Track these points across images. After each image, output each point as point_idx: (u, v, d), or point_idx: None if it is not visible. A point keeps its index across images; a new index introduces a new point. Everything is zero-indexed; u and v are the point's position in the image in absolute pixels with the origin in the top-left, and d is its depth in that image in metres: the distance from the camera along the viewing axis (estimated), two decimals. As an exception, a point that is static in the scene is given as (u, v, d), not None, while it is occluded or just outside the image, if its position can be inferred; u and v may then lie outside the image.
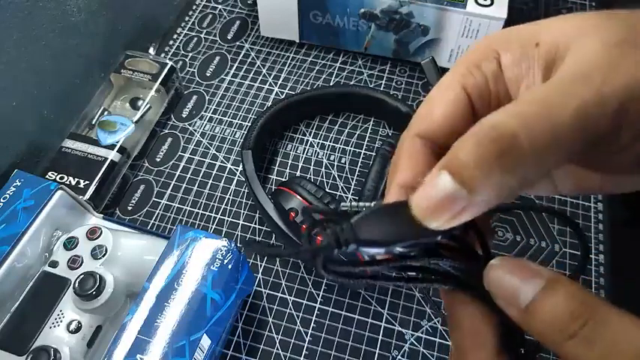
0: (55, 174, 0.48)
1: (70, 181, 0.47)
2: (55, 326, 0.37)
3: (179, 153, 0.54)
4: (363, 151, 0.54)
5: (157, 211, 0.50)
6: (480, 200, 0.17)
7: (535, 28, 0.20)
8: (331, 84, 0.59)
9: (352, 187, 0.51)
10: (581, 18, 0.19)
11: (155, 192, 0.51)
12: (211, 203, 0.50)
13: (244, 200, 0.51)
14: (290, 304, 0.45)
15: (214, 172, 0.52)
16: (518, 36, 0.21)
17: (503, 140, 0.16)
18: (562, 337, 0.17)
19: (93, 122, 0.52)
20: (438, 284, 0.20)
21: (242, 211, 0.50)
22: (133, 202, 0.51)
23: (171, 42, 0.63)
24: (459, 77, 0.22)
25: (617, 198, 0.51)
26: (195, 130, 0.55)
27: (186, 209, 0.50)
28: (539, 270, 0.18)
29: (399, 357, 0.43)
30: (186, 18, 0.65)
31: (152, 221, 0.49)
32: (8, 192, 0.41)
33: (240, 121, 0.56)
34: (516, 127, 0.16)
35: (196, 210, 0.50)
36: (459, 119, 0.21)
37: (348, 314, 0.44)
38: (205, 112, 0.57)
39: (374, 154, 0.53)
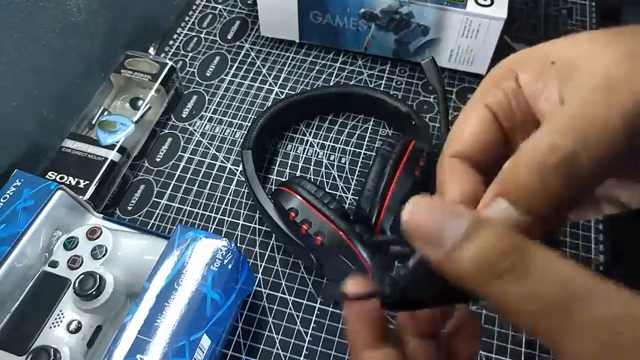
0: (55, 174, 0.48)
1: (70, 181, 0.47)
2: (55, 326, 0.37)
3: (179, 153, 0.54)
4: (363, 151, 0.54)
5: (157, 211, 0.50)
6: (541, 225, 0.17)
7: (549, 47, 0.21)
8: (331, 84, 0.59)
9: (352, 187, 0.51)
10: (592, 35, 0.20)
11: (155, 192, 0.51)
12: (211, 203, 0.50)
13: (244, 200, 0.51)
14: (290, 304, 0.45)
15: (214, 172, 0.52)
16: (534, 57, 0.22)
17: (566, 161, 0.17)
18: (490, 277, 0.16)
19: (93, 122, 0.52)
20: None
21: (242, 211, 0.50)
22: (133, 202, 0.51)
23: (171, 42, 0.63)
24: (481, 97, 0.22)
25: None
26: (195, 130, 0.55)
27: (186, 209, 0.50)
28: (459, 209, 0.17)
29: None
30: (186, 18, 0.65)
31: (152, 221, 0.49)
32: (8, 192, 0.41)
33: (240, 121, 0.56)
34: (574, 145, 0.17)
35: (196, 210, 0.50)
36: (488, 135, 0.22)
37: (348, 314, 0.44)
38: (205, 112, 0.57)
39: (374, 154, 0.53)
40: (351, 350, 0.22)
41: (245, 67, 0.60)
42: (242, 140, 0.54)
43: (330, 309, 0.45)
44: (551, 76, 0.20)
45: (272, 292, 0.45)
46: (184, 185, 0.52)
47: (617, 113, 0.17)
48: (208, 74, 0.60)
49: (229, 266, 0.39)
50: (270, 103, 0.57)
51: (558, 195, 0.17)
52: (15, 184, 0.42)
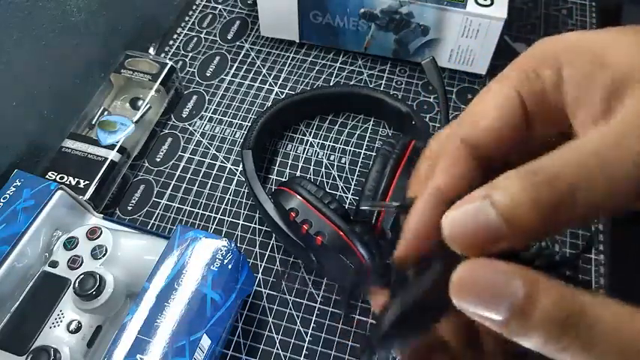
0: (55, 174, 0.48)
1: (70, 181, 0.47)
2: (55, 326, 0.37)
3: (179, 153, 0.54)
4: (363, 151, 0.54)
5: (157, 211, 0.50)
6: (514, 240, 0.16)
7: (602, 41, 0.19)
8: (331, 84, 0.59)
9: (352, 187, 0.51)
10: None
11: (155, 192, 0.51)
12: (211, 203, 0.50)
13: (244, 200, 0.51)
14: (290, 304, 0.45)
15: (214, 172, 0.52)
16: (583, 48, 0.19)
17: (563, 192, 0.16)
18: (557, 346, 0.15)
19: (93, 122, 0.52)
20: None
21: (242, 211, 0.50)
22: (133, 202, 0.51)
23: (171, 42, 0.63)
24: (515, 82, 0.20)
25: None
26: (195, 130, 0.55)
27: (186, 209, 0.50)
28: (511, 268, 0.16)
29: (399, 357, 0.43)
30: (186, 18, 0.65)
31: (152, 221, 0.49)
32: (8, 192, 0.41)
33: (240, 121, 0.56)
34: (577, 181, 0.16)
35: (196, 210, 0.50)
36: (511, 127, 0.20)
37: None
38: (205, 112, 0.57)
39: (374, 154, 0.53)
40: None
41: (245, 67, 0.60)
42: (242, 140, 0.54)
43: (330, 309, 0.45)
44: (596, 86, 0.18)
45: (272, 292, 0.45)
46: (184, 185, 0.52)
47: (631, 161, 0.16)
48: (208, 74, 0.60)
49: (229, 266, 0.39)
50: (270, 103, 0.57)
51: (543, 219, 0.16)
52: (15, 184, 0.42)
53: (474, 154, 0.20)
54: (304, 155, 0.54)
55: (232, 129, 0.56)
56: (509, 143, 0.20)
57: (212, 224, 0.49)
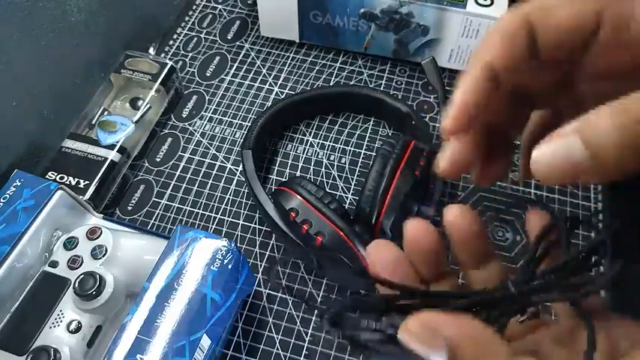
0: (55, 174, 0.48)
1: (70, 181, 0.47)
2: (55, 326, 0.37)
3: (179, 153, 0.54)
4: (363, 151, 0.54)
5: (157, 211, 0.50)
6: (596, 175, 0.17)
7: None
8: (331, 84, 0.59)
9: (352, 187, 0.51)
10: None
11: (155, 192, 0.51)
12: (211, 203, 0.50)
13: (244, 200, 0.51)
14: (290, 304, 0.45)
15: (214, 172, 0.52)
16: None
17: None
18: None
19: (93, 122, 0.52)
20: None
21: (242, 211, 0.50)
22: (133, 202, 0.51)
23: (171, 42, 0.63)
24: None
25: (617, 198, 0.51)
26: (195, 130, 0.55)
27: (186, 209, 0.50)
28: (441, 324, 0.18)
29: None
30: (186, 18, 0.65)
31: (152, 221, 0.49)
32: (8, 192, 0.41)
33: (240, 121, 0.56)
34: None
35: (196, 210, 0.50)
36: (583, 29, 0.21)
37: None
38: (205, 112, 0.57)
39: (374, 154, 0.53)
40: None
41: (245, 67, 0.60)
42: (242, 140, 0.54)
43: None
44: None
45: (272, 292, 0.45)
46: (184, 185, 0.52)
47: None
48: (208, 74, 0.60)
49: (229, 266, 0.39)
50: (270, 103, 0.57)
51: (629, 156, 0.17)
52: (15, 184, 0.42)
53: (532, 39, 0.21)
54: (304, 155, 0.54)
55: (232, 129, 0.56)
56: (571, 51, 0.21)
57: (212, 224, 0.49)
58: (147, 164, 0.53)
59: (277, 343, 0.43)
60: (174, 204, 0.50)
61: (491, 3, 0.53)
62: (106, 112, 0.53)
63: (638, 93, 0.17)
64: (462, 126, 0.21)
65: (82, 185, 0.47)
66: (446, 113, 0.21)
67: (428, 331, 0.18)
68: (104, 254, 0.40)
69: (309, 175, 0.52)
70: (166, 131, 0.55)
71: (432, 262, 0.23)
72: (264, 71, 0.60)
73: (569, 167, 0.17)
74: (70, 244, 0.40)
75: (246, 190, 0.51)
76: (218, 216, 0.50)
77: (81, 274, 0.38)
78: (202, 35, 0.64)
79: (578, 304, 0.21)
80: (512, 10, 0.22)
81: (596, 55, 0.21)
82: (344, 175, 0.52)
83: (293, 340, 0.43)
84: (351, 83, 0.59)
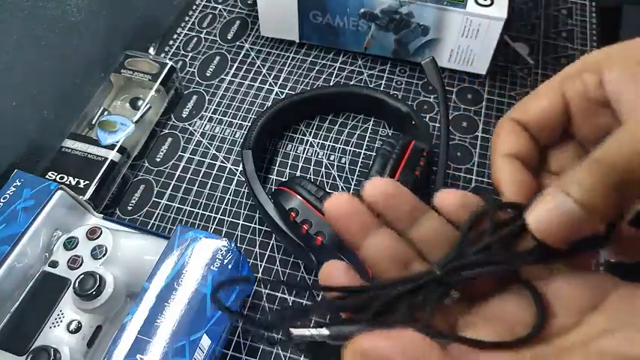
0: (55, 174, 0.48)
1: (70, 181, 0.47)
2: (55, 326, 0.37)
3: (179, 153, 0.54)
4: (363, 151, 0.54)
5: (157, 211, 0.50)
6: (593, 222, 0.19)
7: (636, 47, 0.23)
8: (331, 84, 0.59)
9: (352, 187, 0.51)
10: None
11: (155, 192, 0.51)
12: (211, 203, 0.50)
13: (244, 200, 0.51)
14: (290, 304, 0.45)
15: (214, 172, 0.52)
16: (619, 54, 0.23)
17: (626, 171, 0.18)
18: None
19: (93, 122, 0.52)
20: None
21: (242, 211, 0.50)
22: (133, 202, 0.51)
23: (171, 42, 0.63)
24: (559, 83, 0.24)
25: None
26: (195, 130, 0.55)
27: (186, 209, 0.50)
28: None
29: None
30: (186, 18, 0.65)
31: (152, 221, 0.49)
32: (8, 192, 0.41)
33: (240, 121, 0.56)
34: (636, 157, 0.18)
35: (196, 210, 0.50)
36: (553, 118, 0.24)
37: (348, 314, 0.44)
38: (205, 112, 0.57)
39: (374, 154, 0.53)
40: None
41: (245, 67, 0.60)
42: (242, 140, 0.54)
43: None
44: (636, 76, 0.22)
45: (272, 292, 0.45)
46: (184, 185, 0.52)
47: None
48: (208, 74, 0.60)
49: (229, 266, 0.39)
50: (270, 103, 0.57)
51: (613, 199, 0.19)
52: (15, 184, 0.42)
53: (524, 129, 0.24)
54: (304, 155, 0.54)
55: (232, 129, 0.56)
56: (554, 130, 0.25)
57: (212, 224, 0.49)
58: (147, 164, 0.53)
59: (277, 343, 0.43)
60: (174, 204, 0.50)
61: (492, 3, 0.53)
62: (106, 112, 0.53)
63: (605, 145, 0.19)
64: (527, 197, 0.23)
65: (82, 185, 0.47)
66: (505, 197, 0.24)
67: None
68: (104, 254, 0.40)
69: (309, 175, 0.52)
70: (166, 131, 0.55)
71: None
72: (264, 71, 0.60)
73: (567, 221, 0.19)
74: (70, 244, 0.40)
75: (246, 190, 0.51)
76: (218, 216, 0.50)
77: (81, 274, 0.38)
78: (202, 35, 0.64)
79: (517, 272, 0.22)
80: (503, 117, 0.26)
81: (579, 126, 0.24)
82: (344, 175, 0.52)
83: (293, 340, 0.43)
84: (351, 83, 0.59)
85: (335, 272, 0.23)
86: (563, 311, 0.21)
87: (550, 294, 0.21)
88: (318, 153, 0.54)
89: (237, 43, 0.63)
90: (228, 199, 0.51)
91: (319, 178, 0.52)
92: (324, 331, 0.20)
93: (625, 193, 0.19)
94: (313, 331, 0.20)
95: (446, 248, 0.23)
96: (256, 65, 0.61)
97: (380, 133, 0.55)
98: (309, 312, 0.21)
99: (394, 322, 0.20)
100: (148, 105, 0.53)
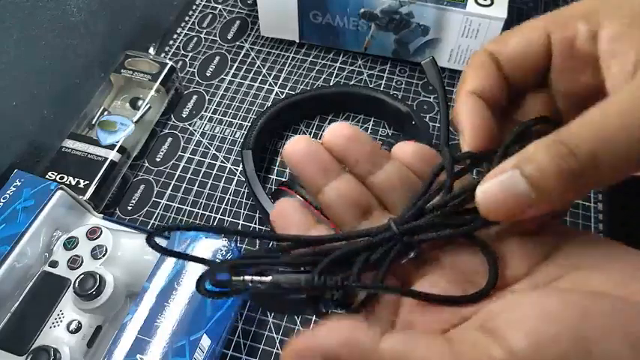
0: (55, 174, 0.48)
1: (70, 181, 0.47)
2: (55, 326, 0.37)
3: (179, 153, 0.54)
4: (363, 151, 0.54)
5: (157, 211, 0.50)
6: (542, 207, 0.18)
7: None
8: (331, 84, 0.59)
9: (352, 187, 0.51)
10: None
11: (155, 192, 0.51)
12: (211, 203, 0.50)
13: (244, 200, 0.51)
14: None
15: (214, 172, 0.52)
16: (627, 5, 0.20)
17: (587, 161, 0.17)
18: None
19: (93, 122, 0.52)
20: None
21: (242, 211, 0.50)
22: (133, 202, 0.51)
23: (171, 42, 0.63)
24: (547, 25, 0.22)
25: (617, 198, 0.51)
26: (195, 130, 0.55)
27: (186, 209, 0.50)
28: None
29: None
30: (186, 18, 0.65)
31: (152, 221, 0.49)
32: (8, 192, 0.41)
33: (240, 121, 0.56)
34: (600, 146, 0.17)
35: (196, 210, 0.50)
36: (533, 58, 0.22)
37: (348, 314, 0.44)
38: (205, 112, 0.57)
39: (374, 154, 0.53)
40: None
41: (245, 67, 0.60)
42: (242, 140, 0.54)
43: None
44: (636, 40, 0.19)
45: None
46: (184, 185, 0.52)
47: None
48: (208, 74, 0.60)
49: (229, 266, 0.39)
50: (270, 103, 0.57)
51: (569, 187, 0.17)
52: (15, 184, 0.42)
53: (497, 65, 0.23)
54: (304, 155, 0.54)
55: (232, 129, 0.56)
56: (529, 73, 0.23)
57: (212, 224, 0.49)
58: (147, 164, 0.53)
59: (277, 343, 0.43)
60: (174, 204, 0.50)
61: (492, 3, 0.53)
62: (106, 112, 0.53)
63: (576, 121, 0.17)
64: (484, 143, 0.22)
65: (82, 185, 0.47)
66: (463, 138, 0.22)
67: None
68: (104, 254, 0.40)
69: (309, 175, 0.52)
70: (166, 131, 0.55)
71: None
72: (264, 71, 0.60)
73: (514, 201, 0.18)
74: (70, 244, 0.40)
75: (246, 190, 0.51)
76: (218, 216, 0.50)
77: (81, 274, 0.38)
78: (202, 35, 0.64)
79: (473, 236, 0.21)
80: (479, 49, 0.24)
81: (556, 77, 0.22)
82: (344, 175, 0.52)
83: (293, 340, 0.43)
84: (351, 83, 0.59)
85: (289, 210, 0.23)
86: (516, 261, 0.20)
87: (502, 248, 0.21)
88: (318, 153, 0.54)
89: (237, 43, 0.63)
90: (228, 199, 0.51)
91: (319, 178, 0.52)
92: (265, 279, 0.20)
93: (581, 182, 0.17)
94: (256, 278, 0.20)
95: (406, 197, 0.22)
96: (256, 65, 0.61)
97: (380, 133, 0.55)
98: (259, 259, 0.21)
99: (342, 278, 0.20)
100: (148, 105, 0.53)
